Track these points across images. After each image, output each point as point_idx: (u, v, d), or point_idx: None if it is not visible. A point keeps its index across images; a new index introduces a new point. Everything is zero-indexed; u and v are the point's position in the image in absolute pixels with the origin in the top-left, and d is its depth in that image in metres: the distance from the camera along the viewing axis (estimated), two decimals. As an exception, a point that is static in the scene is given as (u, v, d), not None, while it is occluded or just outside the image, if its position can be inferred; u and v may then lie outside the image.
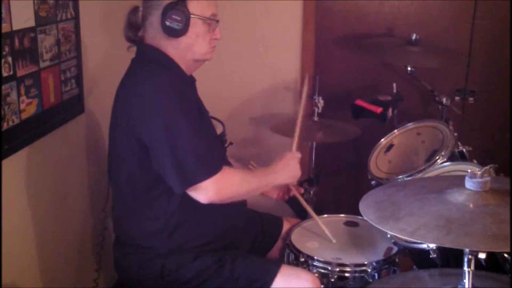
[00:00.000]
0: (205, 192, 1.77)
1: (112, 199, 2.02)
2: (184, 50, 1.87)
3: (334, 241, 2.06)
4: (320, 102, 2.55)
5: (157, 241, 1.87)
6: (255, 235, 2.16)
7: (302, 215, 2.44)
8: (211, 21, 1.87)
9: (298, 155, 2.06)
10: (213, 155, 1.81)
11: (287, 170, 2.00)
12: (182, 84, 1.87)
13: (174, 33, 1.81)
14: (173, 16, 1.79)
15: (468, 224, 1.38)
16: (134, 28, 1.90)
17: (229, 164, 2.01)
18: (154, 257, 1.87)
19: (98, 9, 2.47)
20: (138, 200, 1.87)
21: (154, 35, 1.86)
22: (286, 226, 2.24)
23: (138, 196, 1.86)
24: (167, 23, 1.79)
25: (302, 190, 2.30)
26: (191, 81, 1.98)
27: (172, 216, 1.85)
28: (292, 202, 2.38)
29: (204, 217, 1.88)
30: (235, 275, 1.85)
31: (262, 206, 2.27)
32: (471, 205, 1.45)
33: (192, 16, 1.82)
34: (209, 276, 1.85)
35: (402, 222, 1.44)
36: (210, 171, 1.76)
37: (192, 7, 1.82)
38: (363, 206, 1.59)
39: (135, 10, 1.89)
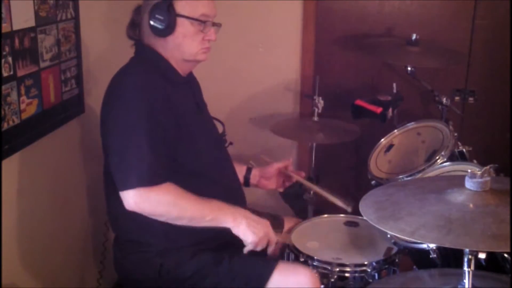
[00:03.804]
0: (125, 200, 1.75)
1: (107, 197, 2.01)
2: (172, 49, 1.88)
3: (349, 210, 2.09)
4: (320, 102, 2.55)
5: (154, 237, 1.87)
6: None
7: (302, 215, 2.44)
8: (200, 22, 1.86)
9: (273, 237, 1.88)
10: (157, 168, 1.75)
11: (250, 226, 1.82)
12: (164, 87, 1.84)
13: (159, 33, 1.84)
14: (157, 16, 1.82)
15: (468, 224, 1.38)
16: (135, 27, 1.92)
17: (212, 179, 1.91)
18: (152, 255, 1.87)
19: (98, 9, 2.47)
20: None
21: (147, 34, 1.89)
22: (286, 226, 2.24)
23: None
24: (151, 23, 1.83)
25: (303, 174, 2.29)
26: (184, 81, 1.96)
27: None
28: (292, 201, 2.38)
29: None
30: (232, 272, 1.85)
31: (262, 206, 2.26)
32: (471, 205, 1.45)
33: (178, 16, 1.82)
34: (207, 273, 1.85)
35: (402, 222, 1.44)
36: (140, 182, 1.72)
37: (180, 7, 1.83)
38: (363, 206, 1.59)
39: (138, 9, 1.91)
